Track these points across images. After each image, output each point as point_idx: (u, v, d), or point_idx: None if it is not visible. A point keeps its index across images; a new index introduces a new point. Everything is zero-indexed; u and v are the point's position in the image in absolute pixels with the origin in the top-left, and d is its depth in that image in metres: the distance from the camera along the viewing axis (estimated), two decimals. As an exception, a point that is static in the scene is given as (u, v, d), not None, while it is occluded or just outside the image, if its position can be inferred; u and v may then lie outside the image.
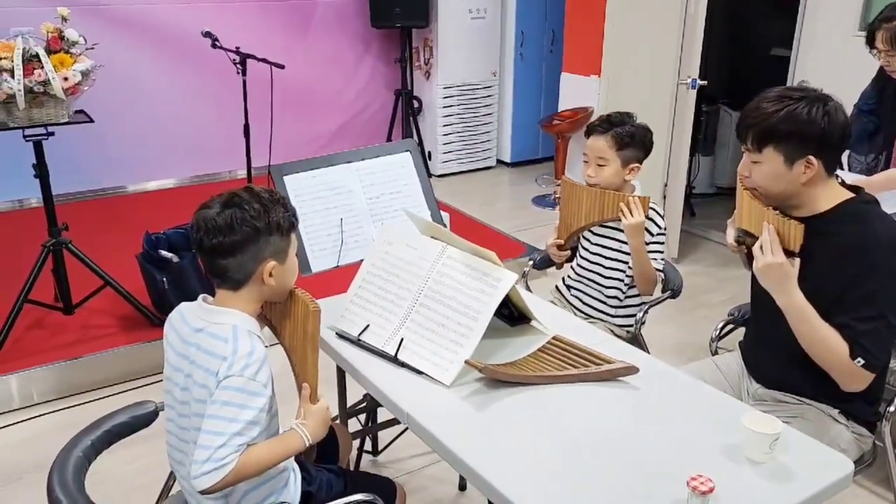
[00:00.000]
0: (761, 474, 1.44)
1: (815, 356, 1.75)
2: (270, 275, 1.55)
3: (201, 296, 1.58)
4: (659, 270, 2.37)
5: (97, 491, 2.39)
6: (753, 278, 1.96)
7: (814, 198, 1.76)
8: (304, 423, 1.57)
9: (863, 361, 1.68)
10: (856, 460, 1.85)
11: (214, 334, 1.49)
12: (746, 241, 1.84)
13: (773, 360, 1.93)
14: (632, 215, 2.29)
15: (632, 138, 2.35)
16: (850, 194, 1.78)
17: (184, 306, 1.59)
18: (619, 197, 2.32)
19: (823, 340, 1.72)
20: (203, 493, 1.41)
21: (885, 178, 2.71)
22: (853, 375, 1.72)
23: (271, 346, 1.60)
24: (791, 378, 1.89)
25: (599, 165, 2.37)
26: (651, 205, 2.38)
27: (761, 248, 1.74)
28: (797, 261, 1.72)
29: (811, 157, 1.69)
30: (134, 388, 3.15)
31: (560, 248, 2.53)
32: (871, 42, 2.78)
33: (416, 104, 6.07)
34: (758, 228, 1.78)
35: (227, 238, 1.49)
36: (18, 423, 2.95)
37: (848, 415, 1.85)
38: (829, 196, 1.77)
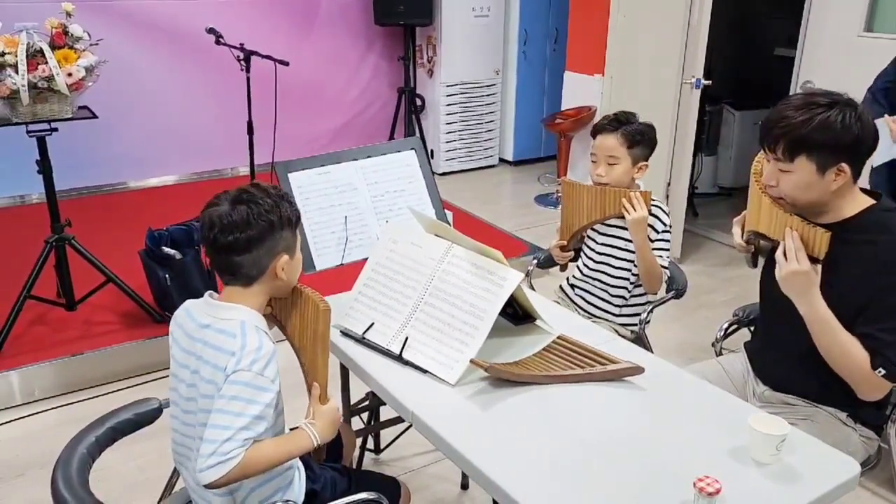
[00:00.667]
0: (768, 476, 1.43)
1: (835, 364, 1.73)
2: (283, 269, 1.55)
3: (207, 292, 1.58)
4: (665, 268, 2.36)
5: (101, 488, 2.38)
6: (763, 280, 1.95)
7: (839, 205, 1.74)
8: (313, 422, 1.57)
9: (884, 372, 1.66)
10: (861, 462, 1.85)
11: (222, 330, 1.48)
12: (758, 243, 1.81)
13: (783, 362, 1.91)
14: (634, 210, 2.28)
15: (641, 136, 2.35)
16: (871, 200, 1.76)
17: (190, 303, 1.59)
18: (620, 192, 2.31)
19: (844, 349, 1.70)
20: (207, 486, 1.40)
21: None
22: (873, 385, 1.71)
23: (278, 342, 1.59)
24: (801, 381, 1.88)
25: (610, 164, 2.36)
26: (656, 202, 2.37)
27: (784, 254, 1.71)
28: (819, 268, 1.70)
29: (843, 165, 1.66)
30: (136, 385, 3.15)
31: (563, 248, 2.52)
32: None
33: (418, 102, 6.06)
34: (778, 233, 1.74)
35: (243, 234, 1.48)
36: (20, 418, 2.95)
37: (856, 418, 1.84)
38: (853, 203, 1.74)
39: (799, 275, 1.69)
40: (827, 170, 1.67)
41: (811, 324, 1.73)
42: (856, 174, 1.71)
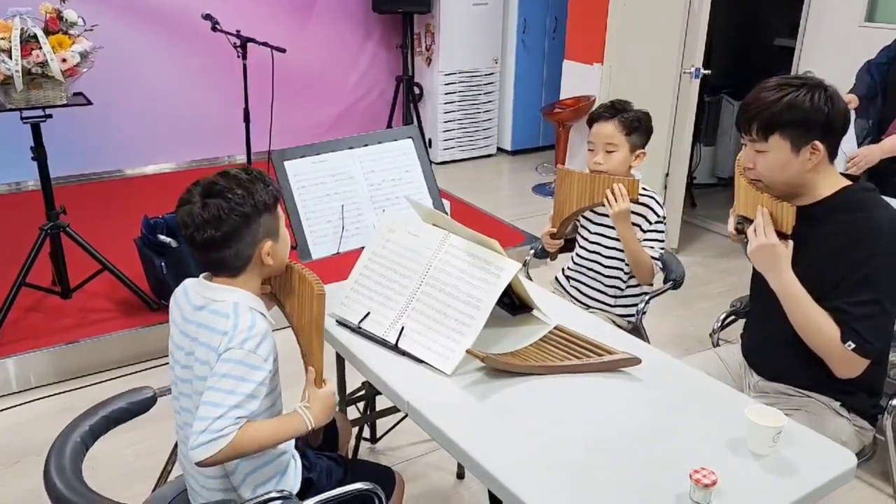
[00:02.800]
0: (764, 467, 1.43)
1: (808, 340, 1.76)
2: (269, 254, 1.53)
3: (203, 273, 1.56)
4: (655, 259, 2.35)
5: (96, 476, 2.38)
6: (754, 269, 1.95)
7: (816, 185, 1.77)
8: (308, 406, 1.55)
9: (853, 345, 1.68)
10: (856, 453, 1.85)
11: (216, 311, 1.47)
12: (745, 227, 1.84)
13: (773, 351, 1.92)
14: (616, 202, 2.26)
15: (639, 122, 2.34)
16: (849, 182, 1.79)
17: (188, 282, 1.58)
18: (609, 180, 2.30)
19: (815, 323, 1.72)
20: (199, 464, 1.39)
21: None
22: (844, 361, 1.72)
23: (279, 329, 1.58)
24: (791, 369, 1.88)
25: (609, 152, 2.35)
26: (650, 193, 2.36)
27: (755, 230, 1.76)
28: (790, 243, 1.74)
29: (817, 143, 1.70)
30: (132, 373, 3.14)
31: (553, 236, 2.50)
32: None
33: (417, 91, 6.03)
34: (753, 213, 1.80)
35: (217, 231, 1.45)
36: (16, 406, 2.94)
37: (850, 408, 1.84)
38: (829, 183, 1.78)
39: (766, 248, 1.74)
40: (801, 148, 1.71)
41: (782, 298, 1.76)
42: (831, 153, 1.74)
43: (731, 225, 1.94)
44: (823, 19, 3.93)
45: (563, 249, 2.58)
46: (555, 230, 2.49)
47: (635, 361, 1.74)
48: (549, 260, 2.67)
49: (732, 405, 1.60)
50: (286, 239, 1.61)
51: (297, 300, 1.64)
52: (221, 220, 1.45)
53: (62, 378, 3.10)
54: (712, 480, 1.30)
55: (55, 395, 3.02)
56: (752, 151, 1.78)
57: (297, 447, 1.67)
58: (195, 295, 1.53)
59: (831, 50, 3.86)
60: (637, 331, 2.43)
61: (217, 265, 1.52)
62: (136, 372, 3.15)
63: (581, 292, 2.52)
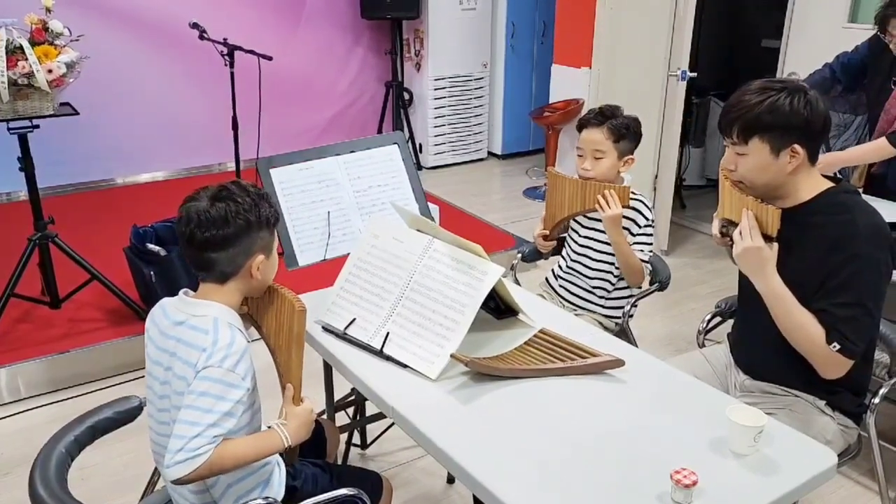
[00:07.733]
0: (745, 467, 1.44)
1: (793, 341, 1.77)
2: (258, 269, 1.55)
3: (182, 290, 1.57)
4: (645, 262, 2.37)
5: (85, 485, 2.38)
6: (740, 270, 1.97)
7: (797, 187, 1.79)
8: (285, 423, 1.56)
9: (838, 346, 1.70)
10: (841, 451, 1.86)
11: (195, 326, 1.48)
12: (730, 230, 1.86)
13: (759, 350, 1.94)
14: (609, 207, 2.28)
15: (627, 129, 2.36)
16: (831, 184, 1.80)
17: (165, 301, 1.59)
18: (599, 187, 2.32)
19: (801, 325, 1.73)
20: (175, 482, 1.39)
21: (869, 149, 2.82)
22: (830, 361, 1.74)
23: (256, 340, 1.59)
24: (777, 369, 1.90)
25: (597, 158, 2.37)
26: (639, 197, 2.38)
27: (741, 233, 1.78)
28: (775, 246, 1.76)
29: (796, 146, 1.72)
30: (122, 382, 3.14)
31: (546, 238, 2.53)
32: (882, 29, 2.84)
33: (406, 96, 6.05)
34: (738, 216, 1.81)
35: (220, 231, 1.48)
36: (6, 417, 2.94)
37: (834, 406, 1.86)
38: (811, 186, 1.79)
39: (752, 251, 1.75)
40: (781, 151, 1.73)
41: (768, 300, 1.78)
42: (811, 156, 1.76)
43: (715, 228, 1.95)
44: (807, 20, 3.95)
45: (555, 250, 2.61)
46: (547, 232, 2.52)
47: (619, 363, 1.75)
48: (540, 260, 2.69)
49: (715, 405, 1.61)
50: (275, 261, 1.64)
51: (276, 318, 1.65)
52: (227, 222, 1.49)
53: (52, 388, 3.10)
54: (693, 481, 1.31)
55: (46, 405, 3.01)
56: (733, 154, 1.79)
57: (280, 455, 1.67)
58: (175, 311, 1.54)
59: (815, 51, 3.88)
60: (624, 332, 2.45)
61: (208, 266, 1.53)
62: (127, 381, 3.14)
63: (570, 292, 2.53)
